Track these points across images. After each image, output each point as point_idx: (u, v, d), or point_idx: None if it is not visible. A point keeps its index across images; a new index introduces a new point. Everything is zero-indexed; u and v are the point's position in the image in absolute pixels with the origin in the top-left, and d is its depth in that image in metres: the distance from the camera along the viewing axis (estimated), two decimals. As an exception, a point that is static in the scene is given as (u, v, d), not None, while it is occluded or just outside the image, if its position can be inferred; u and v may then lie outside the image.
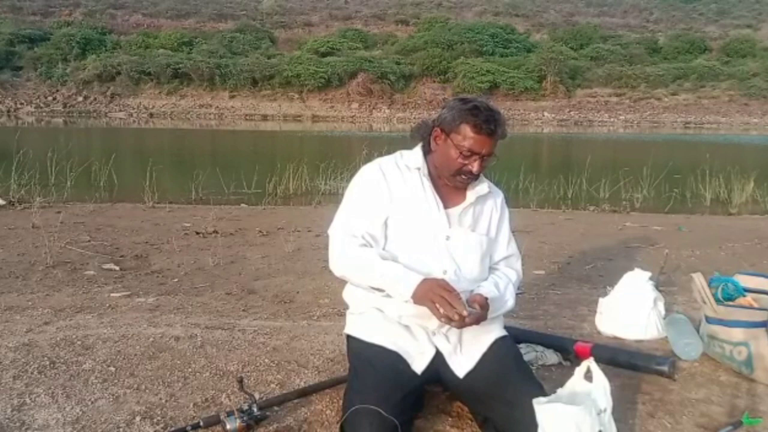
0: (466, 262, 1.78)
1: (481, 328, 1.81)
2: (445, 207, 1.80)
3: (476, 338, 1.78)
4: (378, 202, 1.78)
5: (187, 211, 6.44)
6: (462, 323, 1.55)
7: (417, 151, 1.86)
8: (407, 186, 1.80)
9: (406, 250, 1.75)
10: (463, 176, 1.77)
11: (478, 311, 1.61)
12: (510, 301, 1.84)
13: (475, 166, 1.74)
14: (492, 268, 1.90)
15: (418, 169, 1.81)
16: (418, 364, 1.71)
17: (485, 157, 1.74)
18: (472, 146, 1.72)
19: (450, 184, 1.81)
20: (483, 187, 1.85)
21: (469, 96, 1.82)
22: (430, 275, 1.68)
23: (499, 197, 1.94)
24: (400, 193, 1.79)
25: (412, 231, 1.76)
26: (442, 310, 1.54)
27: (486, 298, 1.67)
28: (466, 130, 1.72)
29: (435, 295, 1.57)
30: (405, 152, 1.88)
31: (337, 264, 1.78)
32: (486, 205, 1.88)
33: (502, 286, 1.83)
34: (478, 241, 1.82)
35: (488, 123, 1.70)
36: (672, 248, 4.49)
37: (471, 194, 1.82)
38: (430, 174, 1.82)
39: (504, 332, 1.85)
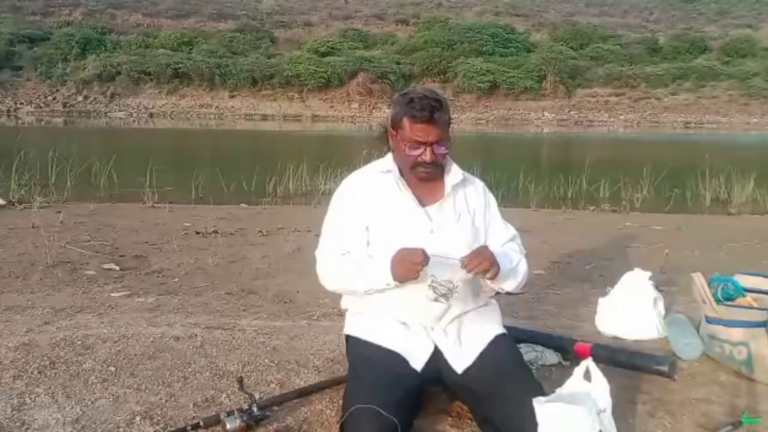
0: (452, 253, 1.77)
1: (479, 324, 1.82)
2: (425, 203, 1.83)
3: (475, 334, 1.79)
4: (353, 217, 1.83)
5: (187, 211, 6.44)
6: (425, 256, 1.61)
7: (388, 156, 1.89)
8: (384, 190, 1.83)
9: (392, 250, 1.76)
10: (421, 168, 1.79)
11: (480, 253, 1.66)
12: (521, 265, 1.84)
13: (426, 156, 1.76)
14: None
15: (390, 171, 1.84)
16: (418, 361, 1.72)
17: (434, 144, 1.75)
18: (415, 137, 1.75)
19: (416, 178, 1.83)
20: (457, 176, 1.86)
21: (411, 89, 1.86)
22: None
23: (479, 185, 1.95)
24: (378, 199, 1.82)
25: (395, 232, 1.78)
26: (421, 268, 1.62)
27: (484, 246, 1.73)
28: (407, 123, 1.76)
29: (408, 267, 1.63)
30: (378, 160, 1.92)
31: (325, 281, 1.88)
32: (466, 194, 1.89)
33: (507, 249, 1.85)
34: (462, 232, 1.82)
35: (423, 110, 1.73)
36: (672, 248, 4.48)
37: (447, 186, 1.84)
38: (402, 174, 1.85)
39: (503, 330, 1.86)
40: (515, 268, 1.81)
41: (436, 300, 1.75)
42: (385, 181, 1.85)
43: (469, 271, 1.63)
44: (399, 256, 1.66)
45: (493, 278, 1.70)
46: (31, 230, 4.84)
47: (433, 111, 1.73)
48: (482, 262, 1.63)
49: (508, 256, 1.81)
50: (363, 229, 1.82)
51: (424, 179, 1.82)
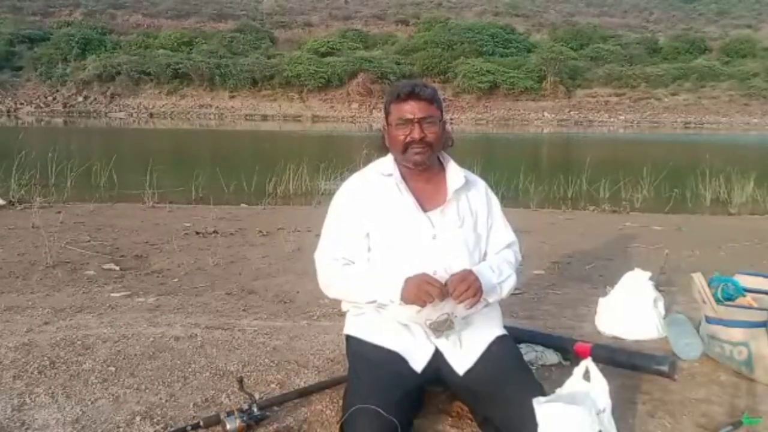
0: (454, 259, 1.76)
1: (480, 326, 1.81)
2: (427, 207, 1.80)
3: (475, 336, 1.78)
4: (353, 222, 1.80)
5: (187, 211, 6.44)
6: (443, 294, 1.61)
7: (388, 158, 1.87)
8: (385, 194, 1.81)
9: (394, 256, 1.75)
10: (413, 149, 1.77)
11: (462, 274, 1.64)
12: (509, 281, 1.82)
13: (415, 132, 1.75)
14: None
15: (391, 174, 1.82)
16: (418, 362, 1.71)
17: (421, 121, 1.75)
18: (402, 114, 1.77)
19: (410, 166, 1.81)
20: (459, 178, 1.83)
21: None
22: None
23: (481, 186, 1.94)
24: (379, 204, 1.80)
25: (397, 236, 1.77)
26: (432, 301, 1.61)
27: (470, 270, 1.68)
28: (393, 106, 1.79)
29: (422, 293, 1.61)
30: (379, 159, 1.90)
31: (326, 290, 1.87)
32: (469, 197, 1.87)
33: (496, 264, 1.82)
34: (464, 237, 1.80)
35: (404, 88, 1.76)
36: (672, 248, 4.48)
37: (449, 189, 1.82)
38: (404, 177, 1.82)
39: (503, 331, 1.85)
40: (501, 282, 1.79)
41: (443, 336, 1.72)
42: (387, 184, 1.82)
43: (454, 297, 1.62)
44: (416, 280, 1.64)
45: (475, 304, 1.68)
46: (31, 230, 4.85)
47: (414, 87, 1.76)
48: (467, 290, 1.61)
49: (498, 269, 1.80)
50: (363, 235, 1.79)
51: (419, 163, 1.78)
